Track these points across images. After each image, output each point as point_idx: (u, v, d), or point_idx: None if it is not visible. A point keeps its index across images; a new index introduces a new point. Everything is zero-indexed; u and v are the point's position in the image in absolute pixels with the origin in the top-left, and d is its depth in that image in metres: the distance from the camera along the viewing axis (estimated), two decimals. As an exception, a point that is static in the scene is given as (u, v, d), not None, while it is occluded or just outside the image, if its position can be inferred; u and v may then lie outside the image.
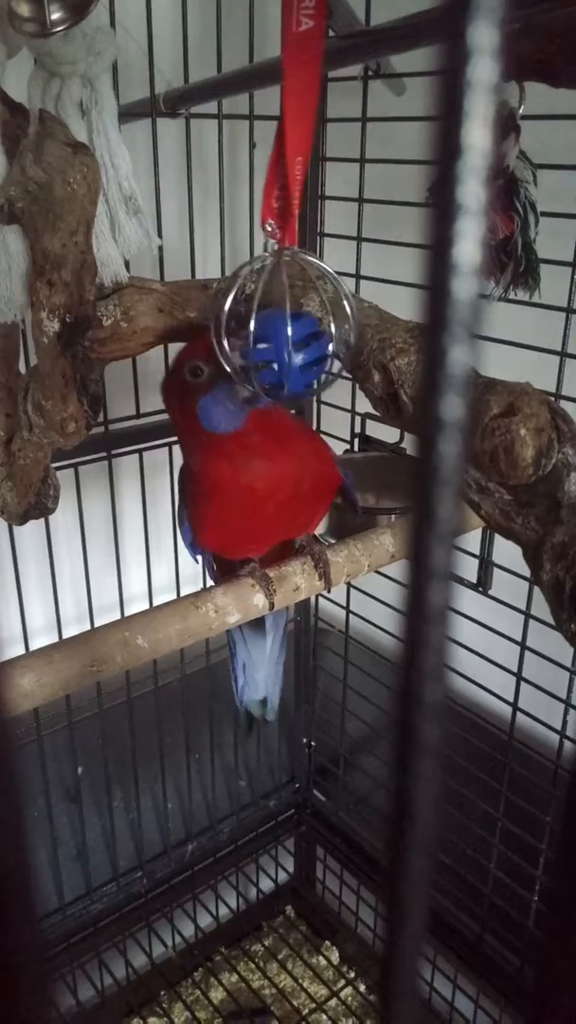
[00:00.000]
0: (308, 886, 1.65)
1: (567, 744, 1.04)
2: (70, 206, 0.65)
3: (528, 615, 1.02)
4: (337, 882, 1.54)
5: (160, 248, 0.92)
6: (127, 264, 0.75)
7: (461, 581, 1.10)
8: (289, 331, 0.64)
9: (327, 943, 1.55)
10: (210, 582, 0.93)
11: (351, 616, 1.34)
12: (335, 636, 1.43)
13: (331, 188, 1.16)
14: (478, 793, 1.16)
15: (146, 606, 1.06)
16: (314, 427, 1.29)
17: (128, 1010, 1.38)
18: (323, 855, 1.59)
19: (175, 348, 0.75)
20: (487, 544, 1.08)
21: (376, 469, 1.09)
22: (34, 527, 0.94)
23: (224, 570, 0.86)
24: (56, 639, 0.86)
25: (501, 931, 1.21)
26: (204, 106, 0.99)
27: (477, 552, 1.09)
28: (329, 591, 0.84)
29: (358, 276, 1.10)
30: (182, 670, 1.28)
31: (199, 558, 0.89)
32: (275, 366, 0.65)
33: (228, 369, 0.66)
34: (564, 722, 1.04)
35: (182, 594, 0.90)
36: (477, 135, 0.14)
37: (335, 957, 1.52)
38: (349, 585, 1.29)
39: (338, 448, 1.17)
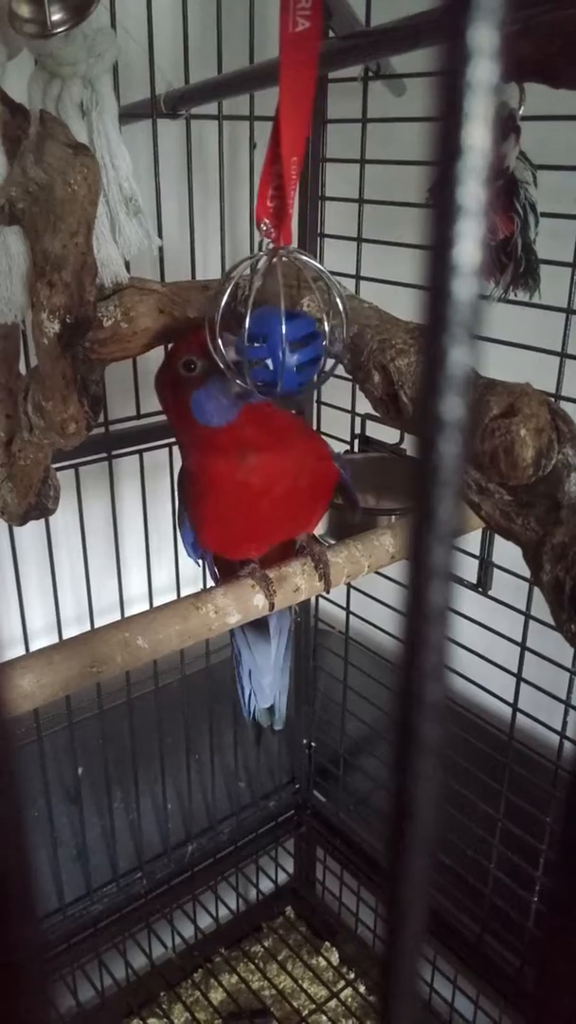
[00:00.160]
0: (308, 887, 1.64)
1: (567, 745, 1.04)
2: (71, 207, 0.65)
3: (528, 616, 1.02)
4: (337, 883, 1.54)
5: (160, 249, 0.92)
6: (127, 265, 0.75)
7: (461, 582, 1.10)
8: (284, 329, 0.64)
9: (327, 944, 1.55)
10: (211, 582, 0.93)
11: (351, 617, 1.34)
12: (335, 637, 1.43)
13: (331, 189, 1.16)
14: (478, 794, 1.16)
15: (146, 607, 1.06)
16: (314, 428, 1.29)
17: (128, 1011, 1.38)
18: (323, 856, 1.59)
19: (187, 336, 0.75)
20: (487, 545, 1.08)
21: (376, 470, 1.09)
22: (34, 528, 0.94)
23: (225, 572, 0.86)
24: (56, 640, 0.86)
25: (501, 932, 1.21)
26: (204, 107, 0.99)
27: (477, 553, 1.09)
28: (329, 592, 0.84)
29: (358, 277, 1.10)
30: (182, 671, 1.27)
31: (200, 561, 0.89)
32: (269, 363, 0.66)
33: (221, 365, 0.67)
34: (564, 723, 1.04)
35: (182, 595, 0.90)
36: (477, 136, 0.14)
37: (335, 958, 1.52)
38: (349, 586, 1.29)
39: (338, 449, 1.17)
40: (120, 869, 1.35)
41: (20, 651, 0.97)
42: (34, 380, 0.73)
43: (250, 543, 0.80)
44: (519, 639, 1.04)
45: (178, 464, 0.83)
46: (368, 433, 1.16)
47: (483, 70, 0.14)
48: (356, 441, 1.18)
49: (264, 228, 0.68)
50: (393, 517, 0.98)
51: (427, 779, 0.17)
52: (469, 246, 0.14)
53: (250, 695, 0.97)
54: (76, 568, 1.16)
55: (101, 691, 1.20)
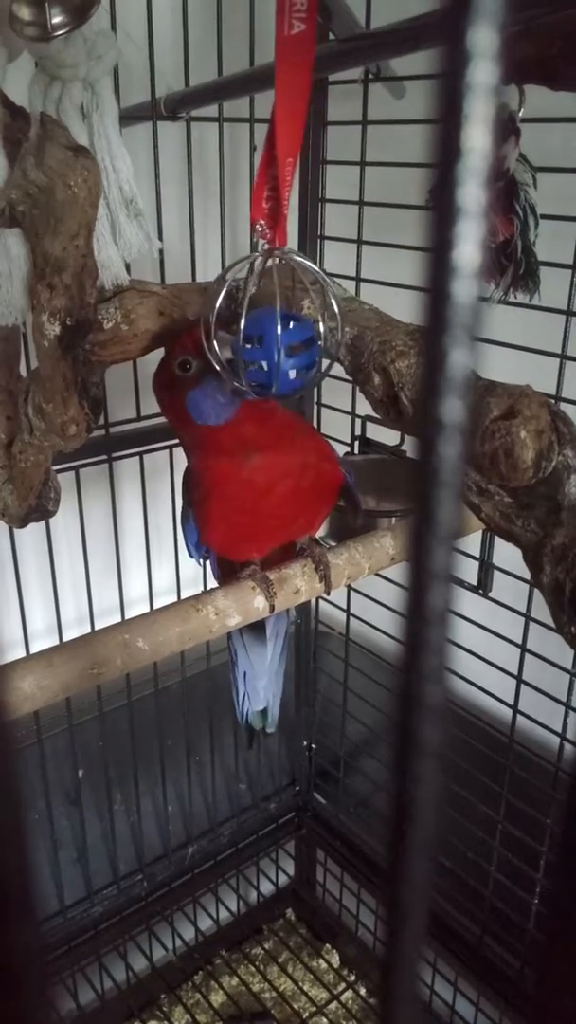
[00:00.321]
0: (308, 889, 1.64)
1: (567, 746, 1.04)
2: (71, 209, 0.65)
3: (528, 617, 1.02)
4: (337, 885, 1.54)
5: (161, 251, 0.93)
6: (128, 267, 0.75)
7: (461, 583, 1.10)
8: (279, 330, 0.64)
9: (327, 946, 1.55)
10: (212, 583, 0.93)
11: (351, 619, 1.34)
12: (335, 639, 1.43)
13: (331, 191, 1.16)
14: (478, 795, 1.16)
15: (146, 609, 1.06)
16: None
17: (128, 1013, 1.38)
18: (323, 858, 1.59)
19: (182, 336, 0.76)
20: (487, 546, 1.08)
21: (376, 471, 1.09)
22: (35, 530, 0.94)
23: (226, 574, 0.86)
24: (57, 642, 0.86)
25: (502, 934, 1.21)
26: (205, 109, 0.99)
27: (477, 554, 1.09)
28: (329, 593, 0.84)
29: (358, 279, 1.10)
30: (182, 673, 1.27)
31: (202, 561, 0.89)
32: (264, 365, 0.66)
33: (216, 365, 0.67)
34: (564, 724, 1.04)
35: (183, 597, 0.90)
36: (477, 138, 0.14)
37: (335, 960, 1.52)
38: (349, 588, 1.29)
39: (339, 451, 1.17)
40: (120, 871, 1.34)
41: (20, 653, 0.97)
42: (34, 382, 0.73)
43: (253, 543, 0.80)
44: (519, 641, 1.04)
45: (179, 465, 0.83)
46: (368, 435, 1.17)
47: (483, 72, 0.14)
48: (356, 443, 1.18)
49: (260, 229, 0.68)
50: (393, 519, 0.98)
51: (427, 782, 0.17)
52: (469, 248, 0.14)
53: (244, 697, 0.97)
54: (76, 570, 1.16)
55: (101, 693, 1.20)
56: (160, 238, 0.89)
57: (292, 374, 0.66)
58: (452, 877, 1.22)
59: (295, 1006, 1.40)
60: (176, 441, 1.02)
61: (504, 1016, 1.22)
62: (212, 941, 1.51)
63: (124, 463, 1.12)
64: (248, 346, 0.65)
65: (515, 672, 1.07)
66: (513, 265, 0.75)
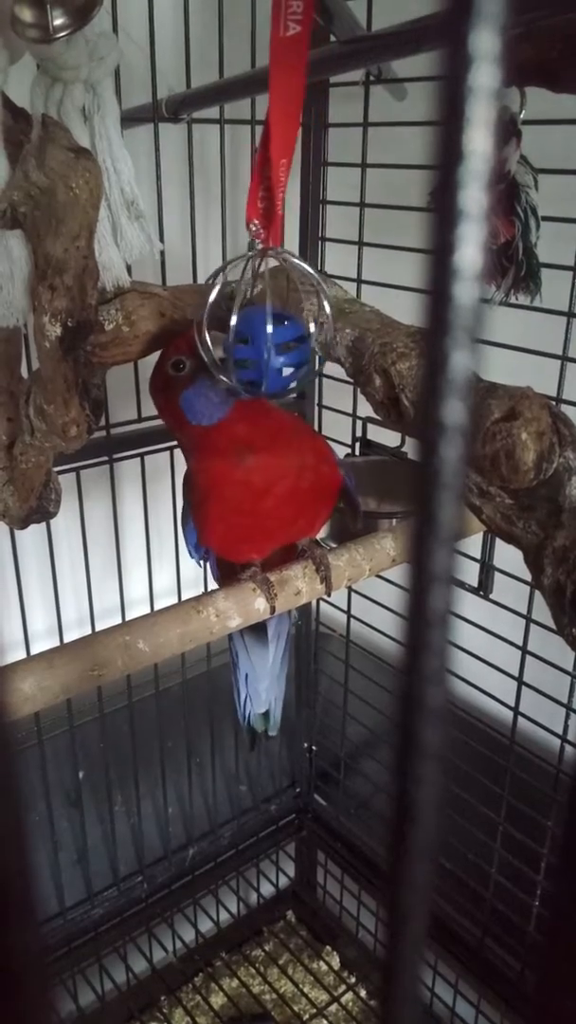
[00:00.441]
0: (309, 891, 1.64)
1: (568, 748, 1.04)
2: (72, 211, 0.65)
3: (529, 619, 1.02)
4: (338, 887, 1.54)
5: (162, 252, 0.93)
6: (129, 268, 0.75)
7: (462, 585, 1.10)
8: (270, 329, 0.64)
9: (328, 948, 1.55)
10: (212, 584, 0.93)
11: (352, 620, 1.34)
12: (336, 640, 1.43)
13: (332, 192, 1.16)
14: (479, 797, 1.16)
15: (147, 610, 1.06)
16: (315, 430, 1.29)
17: (129, 1015, 1.38)
18: (324, 860, 1.58)
19: (175, 337, 0.76)
20: (488, 548, 1.08)
21: (377, 473, 1.09)
22: (35, 531, 0.94)
23: (226, 575, 0.86)
24: (57, 643, 0.86)
25: (502, 936, 1.21)
26: (206, 111, 0.99)
27: (478, 556, 1.09)
28: (330, 595, 0.84)
29: (359, 280, 1.10)
30: (183, 674, 1.27)
31: (202, 561, 0.89)
32: (255, 363, 0.66)
33: (208, 362, 0.67)
34: (565, 726, 1.04)
35: (183, 598, 0.90)
36: (479, 141, 0.14)
37: (336, 962, 1.52)
38: (350, 589, 1.29)
39: (339, 452, 1.17)
40: (121, 873, 1.34)
41: (21, 654, 0.97)
42: (36, 383, 0.73)
43: (252, 544, 0.79)
44: (520, 642, 1.04)
45: (179, 467, 0.83)
46: (369, 436, 1.16)
47: (485, 75, 0.14)
48: (357, 444, 1.18)
49: (253, 229, 0.68)
50: (394, 520, 0.98)
51: (428, 784, 0.17)
52: (471, 251, 0.14)
53: (245, 699, 0.97)
54: (77, 571, 1.16)
55: (102, 694, 1.20)
56: (161, 240, 0.89)
57: (283, 372, 0.66)
58: (453, 879, 1.22)
59: (295, 1008, 1.40)
60: (177, 442, 1.02)
61: (505, 1018, 1.21)
62: (212, 943, 1.51)
63: (125, 464, 1.12)
64: (240, 344, 0.66)
65: (516, 674, 1.07)
66: (514, 267, 0.75)
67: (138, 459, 1.13)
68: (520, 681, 1.07)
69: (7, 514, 0.84)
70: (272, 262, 0.70)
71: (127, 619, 0.90)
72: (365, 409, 1.00)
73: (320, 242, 1.19)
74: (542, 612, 0.89)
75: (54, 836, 1.23)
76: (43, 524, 0.91)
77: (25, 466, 0.79)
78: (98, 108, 0.70)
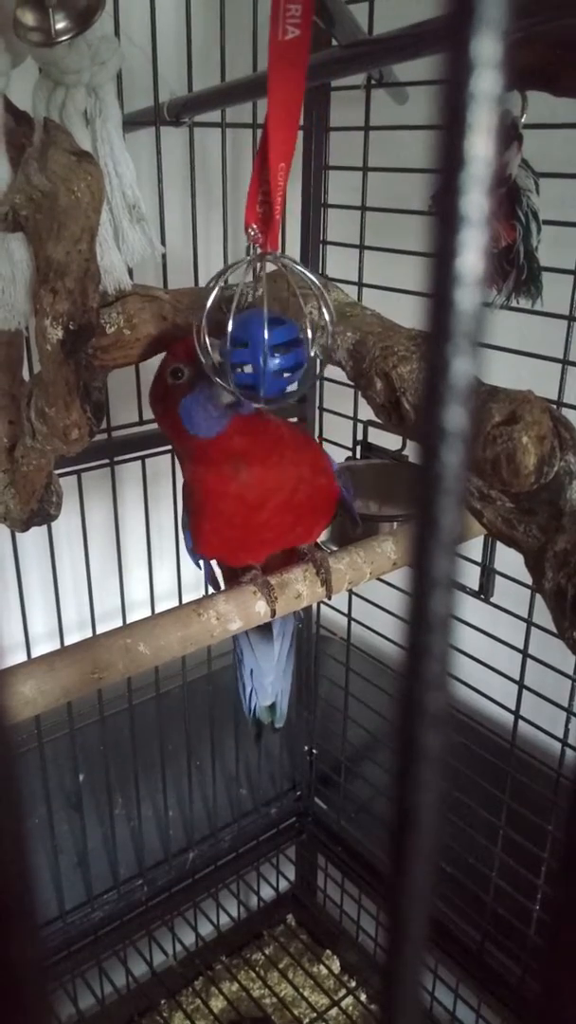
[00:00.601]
0: (309, 894, 1.64)
1: (569, 752, 1.04)
2: (74, 214, 0.65)
3: (530, 623, 1.02)
4: (338, 890, 1.54)
5: (163, 256, 0.93)
6: (130, 272, 0.75)
7: (463, 588, 1.10)
8: (266, 334, 0.64)
9: (328, 952, 1.54)
10: (212, 589, 0.93)
11: (353, 623, 1.34)
12: (337, 643, 1.43)
13: (334, 196, 1.16)
14: (480, 801, 1.16)
15: (148, 613, 1.06)
16: (316, 434, 1.29)
17: (129, 1019, 1.38)
18: (324, 863, 1.58)
19: (173, 345, 0.76)
20: (489, 551, 1.08)
21: (378, 476, 1.09)
22: (36, 534, 0.94)
23: (229, 576, 0.86)
24: (58, 646, 0.86)
25: (503, 940, 1.21)
26: (207, 115, 0.99)
27: (479, 559, 1.09)
28: (331, 598, 0.84)
29: (360, 284, 1.10)
30: (183, 677, 1.27)
31: (201, 564, 0.89)
32: (251, 367, 0.66)
33: (206, 366, 0.67)
34: (566, 730, 1.04)
35: (184, 601, 0.90)
36: (480, 146, 0.14)
37: (336, 966, 1.52)
38: (351, 592, 1.29)
39: (340, 455, 1.17)
40: (121, 876, 1.34)
41: (22, 657, 0.97)
42: (37, 386, 0.73)
43: (248, 552, 0.80)
44: (521, 646, 1.04)
45: (180, 470, 0.83)
46: (370, 439, 1.17)
47: (487, 81, 0.14)
48: (358, 447, 1.18)
49: (252, 233, 0.68)
50: (395, 524, 0.98)
51: (429, 789, 0.17)
52: (472, 257, 0.14)
53: (251, 693, 0.97)
54: (78, 574, 1.16)
55: (102, 697, 1.20)
56: (163, 243, 0.89)
57: (279, 376, 0.66)
58: (453, 883, 1.22)
59: (295, 1012, 1.40)
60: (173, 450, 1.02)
61: (505, 1023, 1.21)
62: (212, 946, 1.50)
63: (126, 467, 1.12)
64: (237, 348, 0.66)
65: (516, 677, 1.06)
66: (515, 270, 0.75)
67: (139, 462, 1.13)
68: (521, 685, 1.07)
69: (8, 516, 0.84)
70: (271, 266, 0.70)
71: (128, 622, 0.90)
72: (366, 412, 1.01)
73: (321, 245, 1.19)
74: (543, 616, 0.89)
75: (54, 839, 1.23)
76: (44, 526, 0.91)
77: (26, 468, 0.79)
78: (100, 112, 0.70)
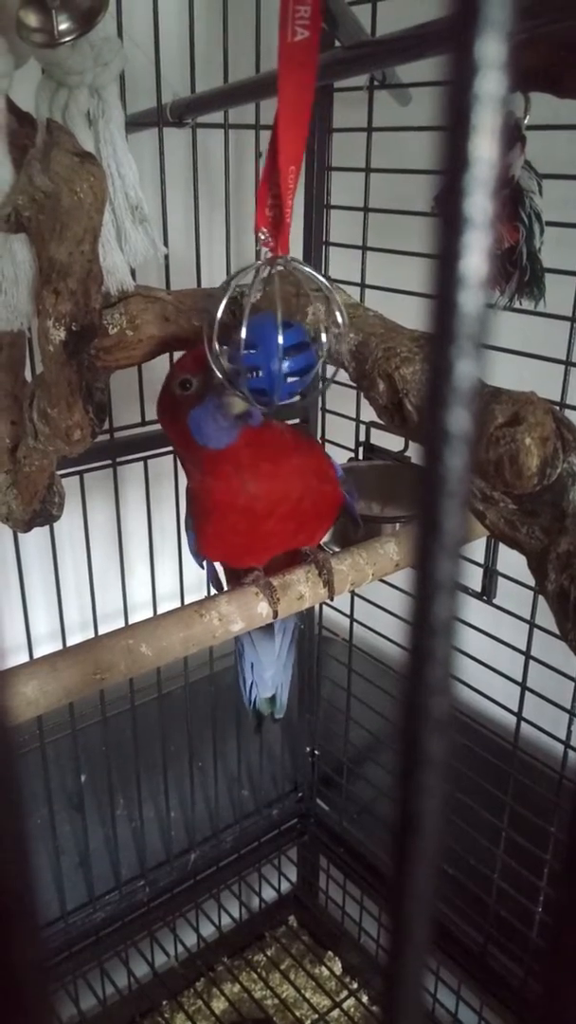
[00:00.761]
0: (311, 896, 1.64)
1: (572, 754, 1.04)
2: (77, 215, 0.65)
3: (532, 624, 1.02)
4: (340, 892, 1.54)
5: (166, 257, 0.93)
6: (133, 273, 0.75)
7: (465, 590, 1.10)
8: (280, 339, 0.64)
9: (330, 953, 1.54)
10: (214, 590, 0.93)
11: (355, 625, 1.34)
12: (339, 644, 1.43)
13: (336, 198, 1.16)
14: (482, 803, 1.16)
15: (150, 614, 1.06)
16: (319, 435, 1.29)
17: (130, 1020, 1.38)
18: (326, 865, 1.58)
19: (180, 356, 0.76)
20: (491, 553, 1.08)
21: (381, 477, 1.09)
22: (39, 534, 0.94)
23: (231, 576, 0.86)
24: (60, 646, 0.86)
25: (505, 942, 1.20)
26: (210, 116, 0.99)
27: (481, 561, 1.09)
28: (333, 599, 0.84)
29: (363, 285, 1.10)
30: (186, 678, 1.27)
31: (204, 564, 0.89)
32: (262, 371, 0.66)
33: (218, 373, 0.67)
34: (568, 732, 1.04)
35: (186, 602, 0.90)
36: (485, 148, 0.14)
37: (338, 967, 1.52)
38: (353, 594, 1.29)
39: (342, 456, 1.17)
40: (123, 877, 1.34)
41: (24, 658, 0.97)
42: (40, 387, 0.73)
43: (251, 555, 0.80)
44: (523, 648, 1.04)
45: (182, 471, 0.83)
46: (372, 441, 1.16)
47: (491, 82, 0.14)
48: (361, 449, 1.18)
49: (263, 237, 0.68)
50: (397, 525, 0.98)
51: (432, 792, 0.17)
52: (476, 259, 0.14)
53: (252, 685, 0.97)
54: (80, 575, 1.16)
55: (104, 698, 1.20)
56: (165, 244, 0.89)
57: (289, 379, 0.66)
58: (456, 885, 1.22)
59: (297, 1013, 1.40)
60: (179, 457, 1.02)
61: (507, 1025, 1.21)
62: (214, 947, 1.50)
63: (128, 468, 1.12)
64: (247, 352, 0.66)
65: (519, 679, 1.06)
66: (518, 272, 0.75)
67: (141, 462, 1.13)
68: (523, 686, 1.06)
69: (11, 517, 0.84)
70: (281, 270, 0.70)
71: (130, 622, 0.90)
72: (368, 413, 1.00)
73: (324, 246, 1.19)
74: (546, 617, 0.89)
75: (56, 840, 1.23)
76: (46, 527, 0.91)
77: (29, 469, 0.79)
78: (103, 113, 0.70)
